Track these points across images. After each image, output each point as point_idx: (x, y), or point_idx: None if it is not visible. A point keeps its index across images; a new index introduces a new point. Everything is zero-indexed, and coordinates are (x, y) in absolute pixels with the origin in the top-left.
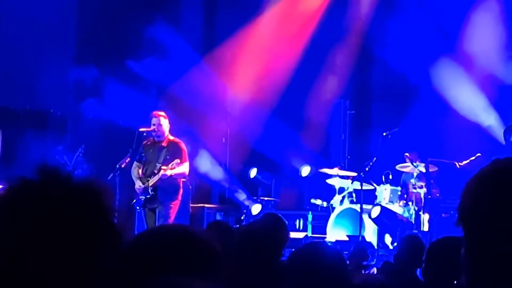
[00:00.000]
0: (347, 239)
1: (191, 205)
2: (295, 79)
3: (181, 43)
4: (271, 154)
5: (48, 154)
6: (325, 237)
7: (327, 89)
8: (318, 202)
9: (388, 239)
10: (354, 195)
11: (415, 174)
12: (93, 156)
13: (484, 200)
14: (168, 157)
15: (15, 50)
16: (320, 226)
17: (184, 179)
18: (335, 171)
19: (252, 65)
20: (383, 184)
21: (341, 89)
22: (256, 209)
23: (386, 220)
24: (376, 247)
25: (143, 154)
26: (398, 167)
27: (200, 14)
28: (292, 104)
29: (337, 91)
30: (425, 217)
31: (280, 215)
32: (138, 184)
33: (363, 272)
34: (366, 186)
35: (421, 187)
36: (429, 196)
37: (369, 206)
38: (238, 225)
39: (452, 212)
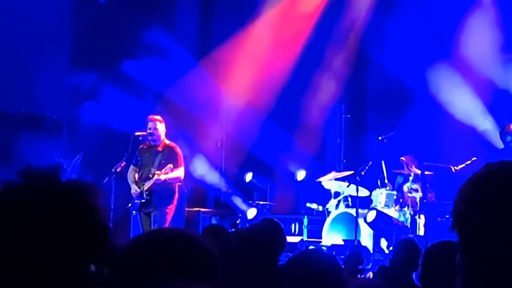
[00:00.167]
0: (342, 243)
1: (186, 209)
2: (291, 83)
3: (177, 47)
4: (267, 158)
5: (44, 158)
6: (321, 241)
7: (323, 93)
8: (314, 206)
9: (383, 243)
10: (349, 199)
11: (410, 178)
12: (89, 160)
13: (478, 204)
14: (163, 161)
15: (11, 54)
16: (316, 230)
17: (179, 183)
18: (331, 175)
19: (247, 69)
20: (379, 188)
21: (337, 93)
22: (251, 213)
23: (381, 224)
24: (371, 251)
25: (139, 158)
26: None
27: (196, 18)
28: (288, 108)
29: (333, 95)
30: (420, 221)
31: (277, 220)
32: (134, 188)
33: (359, 276)
34: (362, 191)
35: (416, 191)
36: (425, 200)
37: (365, 210)
38: (233, 229)
39: (447, 216)
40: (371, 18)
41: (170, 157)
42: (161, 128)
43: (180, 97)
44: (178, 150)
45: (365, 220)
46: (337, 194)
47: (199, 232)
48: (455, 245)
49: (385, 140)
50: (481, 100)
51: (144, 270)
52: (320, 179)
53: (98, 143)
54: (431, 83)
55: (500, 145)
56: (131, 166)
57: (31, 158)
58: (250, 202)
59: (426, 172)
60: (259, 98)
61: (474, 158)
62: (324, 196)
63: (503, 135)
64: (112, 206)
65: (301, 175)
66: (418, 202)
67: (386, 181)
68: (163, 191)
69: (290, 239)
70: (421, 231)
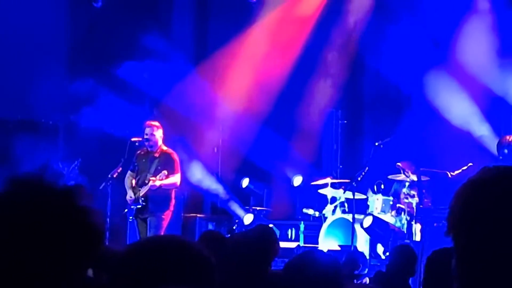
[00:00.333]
0: (339, 249)
1: (183, 214)
2: (287, 89)
3: (174, 53)
4: (263, 163)
5: (41, 164)
6: (317, 247)
7: (319, 98)
8: (310, 211)
9: (380, 249)
10: (346, 204)
11: (407, 184)
12: (85, 166)
13: (473, 209)
14: (159, 167)
15: (7, 59)
16: (312, 236)
17: (175, 189)
18: (327, 180)
19: (244, 75)
20: (375, 194)
21: (334, 99)
22: (248, 219)
23: (378, 230)
24: (368, 257)
25: (136, 164)
26: (390, 176)
27: (192, 24)
28: (284, 114)
29: (329, 101)
30: (417, 227)
31: (271, 226)
32: (130, 194)
33: (355, 281)
34: (358, 196)
35: (413, 197)
36: (421, 206)
37: (361, 216)
38: (229, 235)
39: (444, 221)
40: (368, 23)
41: (166, 163)
42: (158, 134)
43: (177, 102)
44: (175, 156)
45: (361, 226)
46: (333, 199)
47: (195, 237)
48: None
49: (381, 146)
50: (477, 105)
51: (140, 277)
52: (316, 182)
53: (95, 148)
54: (427, 89)
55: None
56: (129, 172)
57: (27, 164)
58: (247, 207)
59: (423, 178)
60: (256, 104)
61: (470, 164)
62: (321, 201)
63: (500, 147)
64: (109, 212)
65: (297, 180)
66: (415, 207)
67: (382, 186)
68: (159, 197)
69: (286, 244)
70: (417, 237)
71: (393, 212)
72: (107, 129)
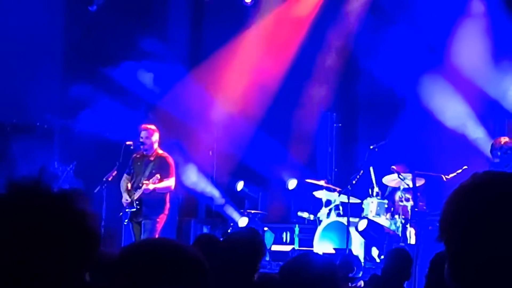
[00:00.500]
0: (334, 252)
1: (178, 218)
2: (282, 92)
3: (169, 57)
4: (258, 167)
5: (36, 168)
6: (312, 250)
7: (314, 102)
8: (305, 215)
9: (375, 252)
10: (341, 208)
11: (401, 187)
12: (81, 169)
13: (465, 214)
14: (154, 171)
15: (2, 63)
16: (307, 239)
17: (170, 193)
18: (321, 182)
19: (238, 78)
20: (370, 197)
21: (328, 102)
22: (243, 222)
23: (373, 233)
24: (363, 260)
25: (131, 167)
26: (384, 179)
27: (187, 28)
28: (279, 117)
29: (324, 104)
30: (411, 230)
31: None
32: (125, 197)
33: (350, 284)
34: (353, 199)
35: (407, 200)
36: (416, 209)
37: (356, 219)
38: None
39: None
40: (363, 27)
41: (161, 167)
42: (154, 137)
43: (172, 106)
44: (170, 160)
45: (356, 229)
46: (328, 202)
47: (190, 241)
48: None
49: (376, 149)
50: (472, 108)
51: (134, 280)
52: (311, 181)
53: (90, 152)
54: (422, 92)
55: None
56: (125, 175)
57: (23, 167)
58: (242, 211)
59: (417, 181)
60: (251, 107)
61: (465, 167)
62: (316, 204)
63: (493, 150)
64: (104, 215)
65: (292, 184)
66: (409, 210)
67: (376, 189)
68: (153, 200)
69: (281, 248)
70: (412, 240)
71: (388, 215)
72: (102, 133)
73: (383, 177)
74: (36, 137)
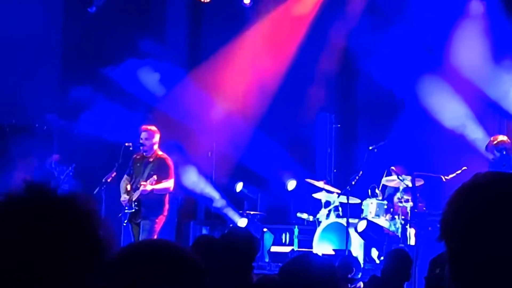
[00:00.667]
0: (333, 253)
1: (177, 219)
2: (281, 93)
3: (167, 58)
4: (257, 168)
5: (34, 169)
6: (312, 251)
7: (313, 103)
8: (304, 216)
9: (374, 253)
10: (340, 209)
11: (401, 188)
12: (80, 170)
13: (466, 214)
14: (152, 172)
15: (1, 65)
16: (306, 240)
17: (169, 194)
18: (320, 184)
19: (237, 79)
20: (369, 198)
21: (327, 103)
22: (242, 223)
23: (372, 234)
24: (362, 261)
25: (131, 168)
26: (384, 180)
27: (186, 29)
28: (278, 118)
29: (323, 105)
30: (411, 231)
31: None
32: (123, 198)
33: (349, 286)
34: (352, 200)
35: (407, 201)
36: (416, 210)
37: (356, 220)
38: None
39: (438, 226)
40: (362, 28)
41: (160, 168)
42: (154, 139)
43: (171, 107)
44: (169, 161)
45: (355, 230)
46: (327, 203)
47: (189, 242)
48: None
49: (375, 150)
50: (471, 109)
51: (130, 281)
52: (310, 181)
53: (89, 153)
54: (421, 93)
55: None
56: (125, 176)
57: (21, 168)
58: (241, 212)
59: (417, 182)
60: (250, 108)
61: (465, 168)
62: (315, 206)
63: (489, 148)
64: (103, 217)
65: (291, 185)
66: (409, 211)
67: (377, 190)
68: (151, 202)
69: (281, 249)
70: (412, 241)
71: (388, 216)
72: (101, 134)
73: (382, 178)
74: (34, 138)
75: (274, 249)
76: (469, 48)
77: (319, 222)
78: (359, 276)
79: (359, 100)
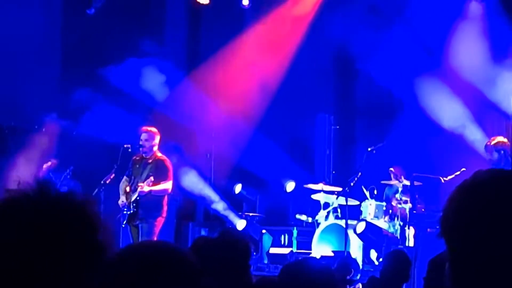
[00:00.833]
0: (332, 254)
1: (176, 221)
2: (280, 95)
3: (167, 60)
4: (256, 169)
5: (33, 170)
6: (310, 253)
7: (311, 104)
8: (303, 217)
9: (373, 254)
10: (339, 210)
11: (400, 189)
12: (78, 172)
13: (466, 212)
14: (151, 174)
15: (0, 66)
16: (305, 242)
17: (167, 195)
18: (319, 186)
19: (236, 81)
20: (368, 199)
21: (326, 104)
22: (241, 224)
23: (371, 236)
24: (361, 263)
25: (131, 169)
26: (382, 182)
27: (185, 31)
28: (277, 120)
29: (321, 106)
30: (410, 232)
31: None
32: (122, 199)
33: (348, 287)
34: (351, 202)
35: (406, 202)
36: (414, 211)
37: (354, 222)
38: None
39: (437, 227)
40: (360, 29)
41: (158, 170)
42: (154, 140)
43: (170, 109)
44: (168, 163)
45: (354, 231)
46: (326, 205)
47: (188, 244)
48: None
49: (374, 151)
50: (469, 110)
51: (128, 283)
52: (309, 186)
53: (88, 155)
54: (419, 94)
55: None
56: (124, 177)
57: (19, 170)
58: (240, 213)
59: (415, 183)
60: (248, 110)
61: (463, 169)
62: (314, 207)
63: (489, 150)
64: (101, 218)
65: (290, 186)
66: (408, 213)
67: (375, 192)
68: (149, 203)
69: (280, 250)
70: (411, 242)
71: (386, 218)
72: (100, 135)
73: (381, 179)
74: (33, 140)
75: (273, 250)
76: (468, 49)
77: (318, 224)
78: (358, 277)
79: (358, 101)
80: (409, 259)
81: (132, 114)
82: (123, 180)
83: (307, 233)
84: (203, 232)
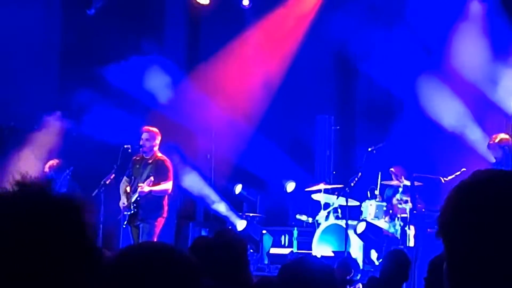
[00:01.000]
0: (332, 255)
1: (176, 221)
2: (280, 95)
3: (166, 61)
4: (256, 170)
5: (32, 171)
6: (311, 253)
7: (312, 104)
8: (304, 218)
9: (374, 254)
10: (339, 210)
11: (400, 190)
12: (78, 172)
13: (464, 211)
14: (151, 174)
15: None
16: (306, 242)
17: (167, 196)
18: (320, 186)
19: (236, 81)
20: (368, 199)
21: (326, 105)
22: (241, 225)
23: (371, 236)
24: (361, 263)
25: (131, 170)
26: (383, 182)
27: (185, 31)
28: (277, 120)
29: (321, 107)
30: (410, 233)
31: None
32: (123, 200)
33: (348, 287)
34: (351, 202)
35: (406, 202)
36: (415, 211)
37: (355, 222)
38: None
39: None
40: (360, 30)
41: (159, 170)
42: (155, 140)
43: (170, 109)
44: (168, 163)
45: (355, 232)
46: (326, 205)
47: (188, 244)
48: None
49: (374, 151)
50: (470, 110)
51: (127, 285)
52: (309, 189)
53: (88, 155)
54: (420, 94)
55: (490, 158)
56: (124, 177)
57: (20, 171)
58: (240, 214)
59: (416, 183)
60: (248, 110)
61: (464, 169)
62: (314, 207)
63: (493, 148)
64: (102, 219)
65: (290, 187)
66: (408, 213)
67: (376, 192)
68: (150, 204)
69: (280, 251)
70: (411, 242)
71: (387, 218)
72: (100, 136)
73: (381, 179)
74: (32, 141)
75: (273, 251)
76: (468, 49)
77: (318, 224)
78: (358, 277)
79: (358, 101)
80: (409, 259)
81: (132, 114)
82: (123, 180)
83: (307, 233)
84: (203, 232)
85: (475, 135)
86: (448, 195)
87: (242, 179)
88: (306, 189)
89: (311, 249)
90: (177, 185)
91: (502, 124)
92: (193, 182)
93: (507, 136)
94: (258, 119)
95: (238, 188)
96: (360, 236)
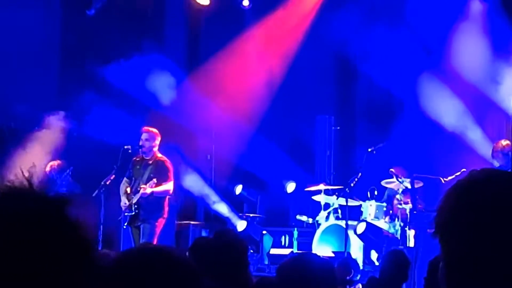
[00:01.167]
0: (333, 255)
1: (176, 222)
2: (280, 96)
3: (166, 61)
4: (256, 170)
5: (32, 172)
6: (310, 252)
7: (312, 105)
8: (304, 218)
9: (374, 255)
10: (339, 211)
11: (400, 190)
12: (78, 173)
13: (460, 211)
14: (152, 175)
15: None
16: (306, 243)
17: (168, 196)
18: (320, 187)
19: (236, 82)
20: (368, 200)
21: (326, 105)
22: (241, 225)
23: (371, 236)
24: (362, 263)
25: (131, 170)
26: (383, 182)
27: (185, 32)
28: (277, 121)
29: (322, 107)
30: (410, 233)
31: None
32: (124, 201)
33: (348, 287)
34: (352, 202)
35: (406, 203)
36: (415, 212)
37: (355, 222)
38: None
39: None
40: (360, 30)
41: (159, 171)
42: (155, 141)
43: (170, 110)
44: (168, 164)
45: (355, 232)
46: (327, 206)
47: (189, 244)
48: None
49: (374, 152)
50: (470, 111)
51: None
52: (309, 189)
53: (88, 156)
54: (420, 95)
55: (493, 162)
56: (124, 178)
57: (20, 172)
58: (240, 214)
59: (416, 184)
60: (249, 111)
61: (464, 170)
62: (314, 208)
63: (495, 153)
64: (102, 219)
65: (291, 187)
66: (408, 213)
67: (376, 192)
68: (151, 204)
69: (280, 251)
70: (411, 243)
71: (387, 218)
72: (100, 137)
73: (381, 179)
74: (33, 141)
75: (274, 251)
76: (468, 49)
77: (319, 224)
78: (358, 278)
79: (358, 102)
80: (408, 259)
81: (132, 115)
82: (123, 181)
83: (307, 234)
84: (203, 233)
85: (475, 135)
86: (445, 194)
87: (243, 179)
88: (306, 189)
89: (311, 250)
90: (177, 186)
91: (502, 124)
92: (193, 182)
93: (508, 142)
94: (258, 119)
95: (239, 189)
96: (360, 236)
